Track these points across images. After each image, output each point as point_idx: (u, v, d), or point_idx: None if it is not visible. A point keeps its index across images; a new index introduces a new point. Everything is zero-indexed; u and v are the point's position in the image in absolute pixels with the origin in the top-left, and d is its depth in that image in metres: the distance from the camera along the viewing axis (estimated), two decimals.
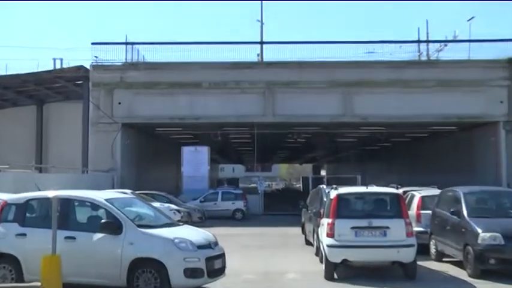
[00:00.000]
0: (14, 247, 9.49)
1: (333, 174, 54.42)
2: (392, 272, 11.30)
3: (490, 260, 10.96)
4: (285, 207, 31.07)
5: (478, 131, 28.48)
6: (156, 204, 18.38)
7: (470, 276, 11.24)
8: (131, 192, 18.48)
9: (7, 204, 9.98)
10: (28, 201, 9.97)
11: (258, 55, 28.89)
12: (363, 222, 10.81)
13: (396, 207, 11.17)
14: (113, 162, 26.64)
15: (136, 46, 28.17)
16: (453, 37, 30.27)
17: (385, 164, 48.28)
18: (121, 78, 27.33)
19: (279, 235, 19.66)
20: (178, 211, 21.79)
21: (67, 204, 9.56)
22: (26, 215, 9.83)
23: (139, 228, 9.21)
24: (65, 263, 8.02)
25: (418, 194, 15.09)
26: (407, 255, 10.75)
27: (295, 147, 47.49)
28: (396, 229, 10.77)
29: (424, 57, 29.64)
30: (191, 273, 8.92)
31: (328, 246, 10.94)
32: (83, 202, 9.89)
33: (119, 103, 27.30)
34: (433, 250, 13.51)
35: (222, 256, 9.63)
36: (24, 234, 9.53)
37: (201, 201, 27.87)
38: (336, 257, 10.88)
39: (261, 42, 29.57)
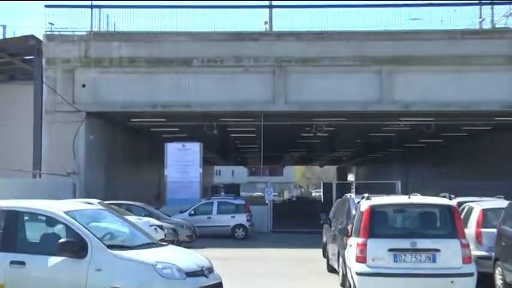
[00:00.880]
0: None
1: (363, 180, 54.48)
2: None
3: None
4: (300, 223, 31.20)
5: None
6: (132, 218, 18.44)
7: None
8: (99, 203, 18.59)
9: None
10: None
11: (265, 23, 28.96)
12: (405, 243, 10.83)
13: (449, 223, 11.18)
14: (74, 163, 26.70)
15: (105, 10, 28.28)
16: None
17: (434, 167, 48.27)
18: (85, 52, 27.37)
19: (292, 260, 19.68)
20: (161, 227, 21.82)
21: (13, 218, 9.54)
22: None
23: (109, 250, 9.20)
24: None
25: (478, 206, 15.04)
26: (463, 287, 10.72)
27: (313, 145, 47.50)
28: (449, 253, 10.78)
29: (487, 25, 29.57)
30: None
31: (358, 274, 10.96)
32: (34, 215, 9.88)
33: (83, 85, 27.36)
34: (499, 281, 13.41)
35: (218, 286, 9.65)
36: None
37: (190, 215, 27.95)
38: None
39: (270, 6, 29.57)
